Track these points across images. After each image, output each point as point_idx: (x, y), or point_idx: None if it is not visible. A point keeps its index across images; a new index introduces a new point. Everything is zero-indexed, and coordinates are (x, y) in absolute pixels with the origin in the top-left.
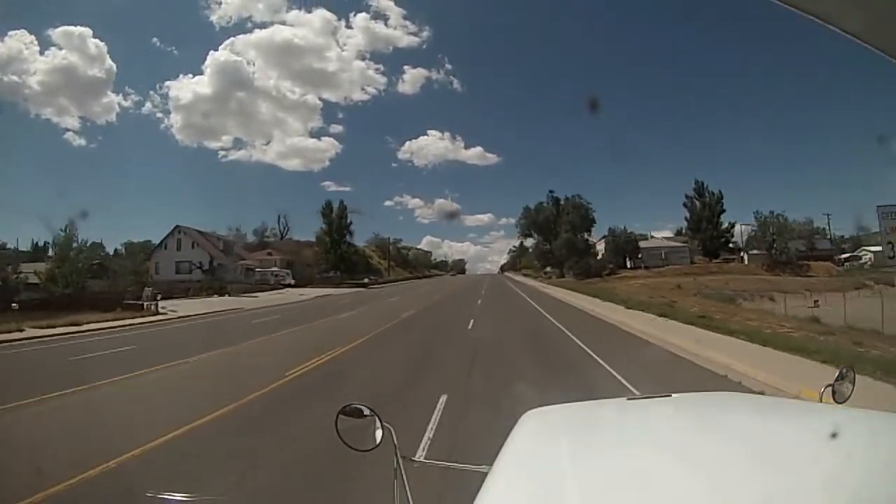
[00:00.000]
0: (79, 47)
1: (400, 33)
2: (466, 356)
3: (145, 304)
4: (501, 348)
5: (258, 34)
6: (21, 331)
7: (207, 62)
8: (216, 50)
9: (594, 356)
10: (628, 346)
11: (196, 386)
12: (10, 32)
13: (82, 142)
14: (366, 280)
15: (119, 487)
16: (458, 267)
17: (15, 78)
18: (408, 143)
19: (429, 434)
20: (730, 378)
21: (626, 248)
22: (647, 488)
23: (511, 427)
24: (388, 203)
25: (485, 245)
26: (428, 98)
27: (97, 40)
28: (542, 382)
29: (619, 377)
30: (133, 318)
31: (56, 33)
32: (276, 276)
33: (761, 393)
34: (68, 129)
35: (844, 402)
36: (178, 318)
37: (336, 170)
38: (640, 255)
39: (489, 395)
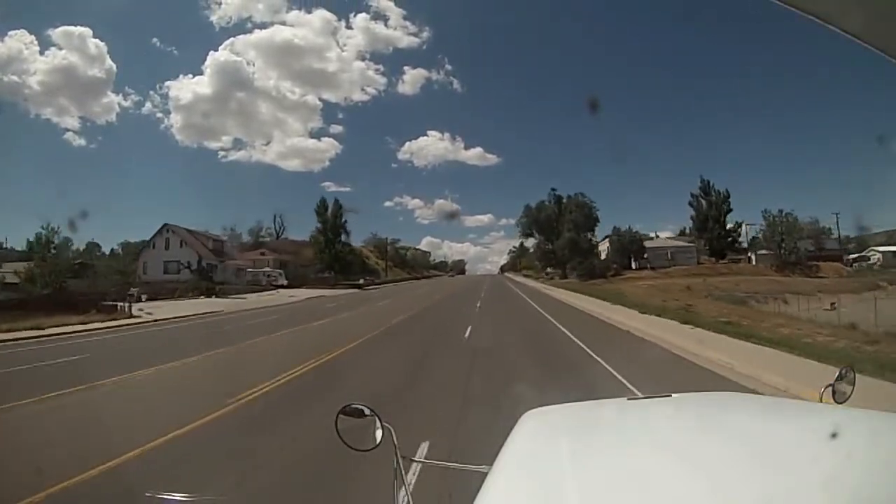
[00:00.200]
0: (79, 47)
1: (400, 34)
2: (458, 385)
3: (119, 306)
4: (504, 370)
5: (258, 34)
6: None
7: (207, 62)
8: (216, 50)
9: (629, 386)
10: (669, 370)
11: (100, 419)
12: (10, 32)
13: (82, 142)
14: (361, 281)
15: None
16: (458, 267)
17: (15, 78)
18: (408, 143)
19: None
20: None
21: (631, 248)
22: (648, 488)
23: (511, 427)
24: (387, 203)
25: (485, 246)
26: (428, 98)
27: (97, 40)
28: None
29: None
30: (103, 321)
31: (56, 33)
32: (269, 276)
33: None
34: (68, 129)
35: (844, 402)
36: (151, 321)
37: (336, 170)
38: (645, 256)
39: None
